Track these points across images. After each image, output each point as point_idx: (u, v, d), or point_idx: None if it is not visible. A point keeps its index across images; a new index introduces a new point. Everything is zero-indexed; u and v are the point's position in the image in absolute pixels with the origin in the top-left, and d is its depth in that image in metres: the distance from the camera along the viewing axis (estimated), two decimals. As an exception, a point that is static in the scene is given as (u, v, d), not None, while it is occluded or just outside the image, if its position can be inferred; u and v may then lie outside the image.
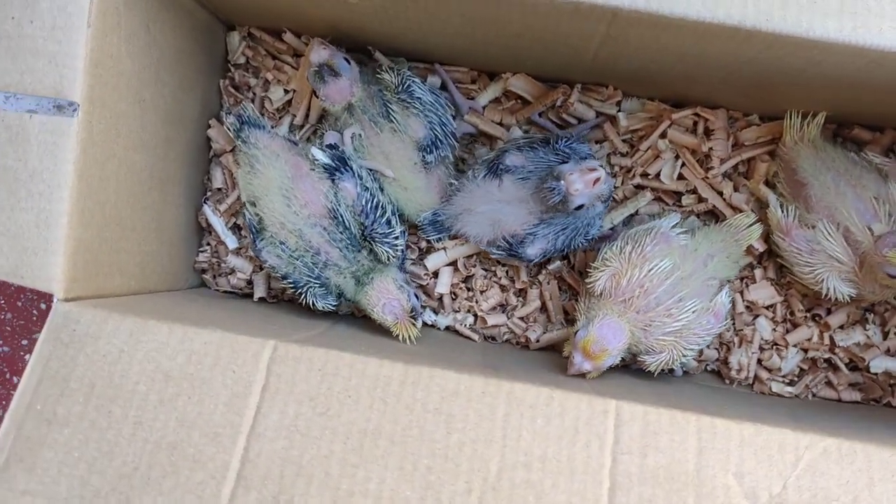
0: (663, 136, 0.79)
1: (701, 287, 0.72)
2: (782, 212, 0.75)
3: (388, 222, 0.74)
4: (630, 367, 0.76)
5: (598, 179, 0.68)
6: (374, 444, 0.52)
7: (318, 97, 0.74)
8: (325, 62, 0.72)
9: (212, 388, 0.53)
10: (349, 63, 0.73)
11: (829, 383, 0.79)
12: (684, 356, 0.71)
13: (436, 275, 0.80)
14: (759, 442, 0.54)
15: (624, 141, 0.80)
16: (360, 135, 0.75)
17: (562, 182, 0.68)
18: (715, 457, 0.53)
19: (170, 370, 0.54)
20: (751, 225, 0.76)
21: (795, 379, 0.79)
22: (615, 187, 0.80)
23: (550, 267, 0.80)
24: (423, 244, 0.81)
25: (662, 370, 0.71)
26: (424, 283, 0.80)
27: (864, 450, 0.54)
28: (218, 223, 0.80)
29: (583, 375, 0.69)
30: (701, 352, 0.79)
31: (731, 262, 0.76)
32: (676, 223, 0.75)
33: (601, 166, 0.69)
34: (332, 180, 0.72)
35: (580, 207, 0.70)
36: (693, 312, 0.70)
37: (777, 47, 0.56)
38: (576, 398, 0.54)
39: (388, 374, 0.55)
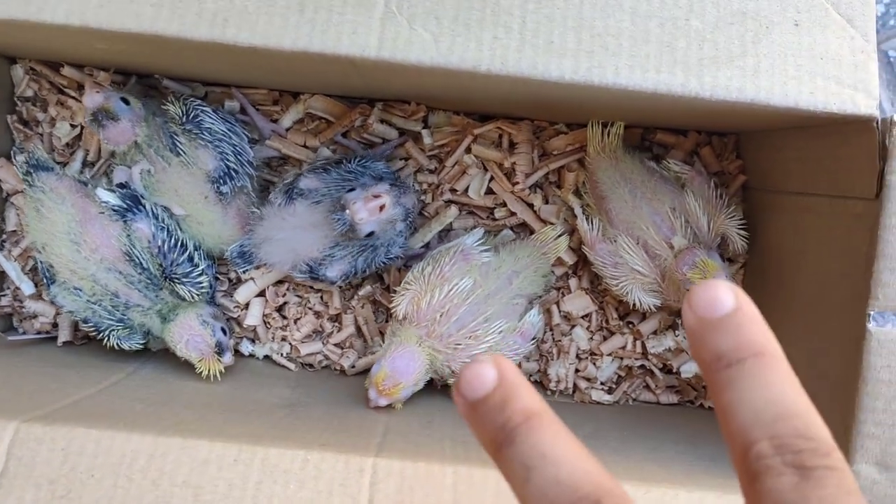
0: (468, 150, 0.78)
1: (507, 306, 0.72)
2: (587, 224, 0.75)
3: (191, 259, 0.71)
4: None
5: (384, 206, 0.66)
6: (117, 526, 0.51)
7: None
8: (99, 107, 0.68)
9: (-57, 479, 0.51)
10: (128, 103, 0.69)
11: (647, 388, 0.80)
12: (492, 377, 0.71)
13: (247, 306, 0.79)
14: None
15: (431, 157, 0.79)
16: (149, 170, 0.72)
17: (346, 212, 0.66)
18: (471, 508, 0.53)
19: None
20: (557, 237, 0.76)
21: (614, 386, 0.80)
22: (426, 203, 0.79)
23: (361, 291, 0.78)
24: (233, 274, 0.79)
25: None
26: (236, 315, 0.78)
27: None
28: (11, 268, 0.77)
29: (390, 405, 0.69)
30: (520, 364, 0.79)
31: (538, 277, 0.75)
32: (480, 239, 0.74)
33: (393, 187, 0.68)
34: (125, 222, 0.70)
35: (372, 233, 0.68)
36: (499, 333, 0.70)
37: (521, 85, 0.55)
38: (332, 458, 0.54)
39: (136, 449, 0.53)
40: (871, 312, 0.54)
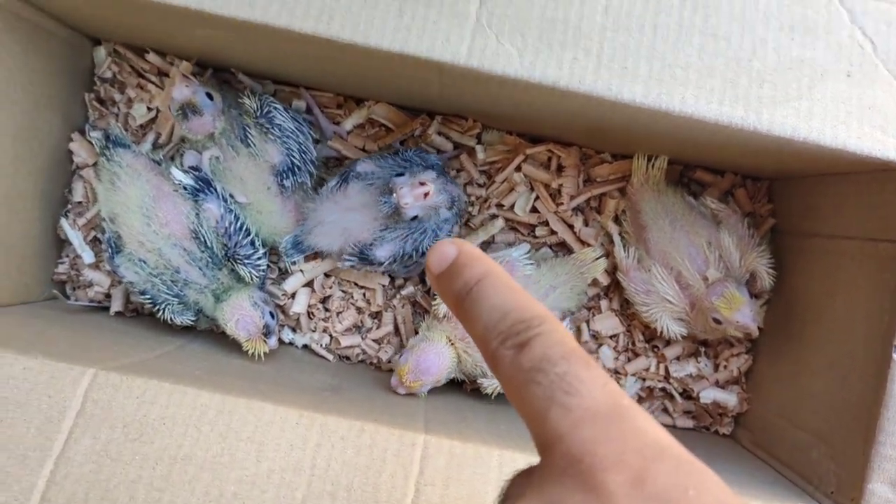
0: (518, 169, 0.82)
1: (540, 318, 0.76)
2: (624, 252, 0.79)
3: (252, 243, 0.76)
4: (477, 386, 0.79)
5: (427, 193, 0.70)
6: (183, 470, 0.54)
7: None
8: (187, 101, 0.73)
9: (26, 412, 0.55)
10: (211, 98, 0.74)
11: (665, 410, 0.84)
12: (522, 383, 0.74)
13: (294, 296, 0.82)
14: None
15: (481, 172, 0.83)
16: (218, 157, 0.76)
17: (394, 195, 0.70)
18: (512, 490, 0.56)
19: (-14, 394, 0.55)
20: (596, 259, 0.80)
21: (634, 406, 0.83)
22: (472, 215, 0.83)
23: (404, 291, 0.82)
24: (283, 264, 0.83)
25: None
26: (282, 303, 0.82)
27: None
28: (75, 236, 0.80)
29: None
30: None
31: (574, 295, 0.79)
32: (526, 253, 0.78)
33: (439, 176, 0.72)
34: (196, 201, 0.74)
35: (416, 218, 0.72)
36: None
37: (594, 105, 0.60)
38: (386, 431, 0.57)
39: (206, 404, 0.56)
40: (897, 343, 0.58)
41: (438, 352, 0.73)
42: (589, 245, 0.82)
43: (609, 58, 0.58)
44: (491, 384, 0.74)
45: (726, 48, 0.59)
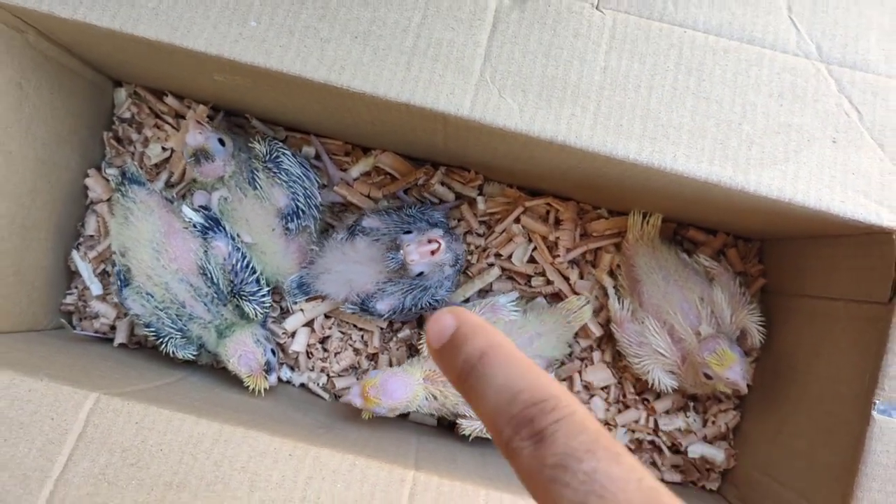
0: (517, 220, 0.85)
1: (524, 366, 0.77)
2: (618, 304, 0.81)
3: (258, 281, 0.78)
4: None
5: (435, 250, 0.73)
6: (177, 497, 0.56)
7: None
8: (200, 147, 0.75)
9: (29, 433, 0.56)
10: (223, 144, 0.77)
11: (653, 464, 0.85)
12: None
13: (294, 335, 0.84)
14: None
15: (481, 222, 0.86)
16: (226, 198, 0.79)
17: (401, 252, 0.73)
18: (498, 530, 0.58)
19: (-9, 413, 0.57)
20: (582, 307, 0.82)
21: (623, 458, 0.84)
22: (471, 263, 0.85)
23: (401, 334, 0.84)
24: (285, 304, 0.85)
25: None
26: (282, 342, 0.84)
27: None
28: (85, 268, 0.83)
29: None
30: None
31: (560, 343, 0.81)
32: (513, 300, 0.80)
33: (446, 234, 0.75)
34: (205, 238, 0.76)
35: (422, 273, 0.75)
36: None
37: (590, 159, 0.62)
38: (377, 466, 0.59)
39: (203, 432, 0.58)
40: (877, 402, 0.60)
41: (407, 382, 0.74)
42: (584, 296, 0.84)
43: (605, 115, 0.61)
44: (470, 425, 0.76)
45: (718, 111, 0.62)
